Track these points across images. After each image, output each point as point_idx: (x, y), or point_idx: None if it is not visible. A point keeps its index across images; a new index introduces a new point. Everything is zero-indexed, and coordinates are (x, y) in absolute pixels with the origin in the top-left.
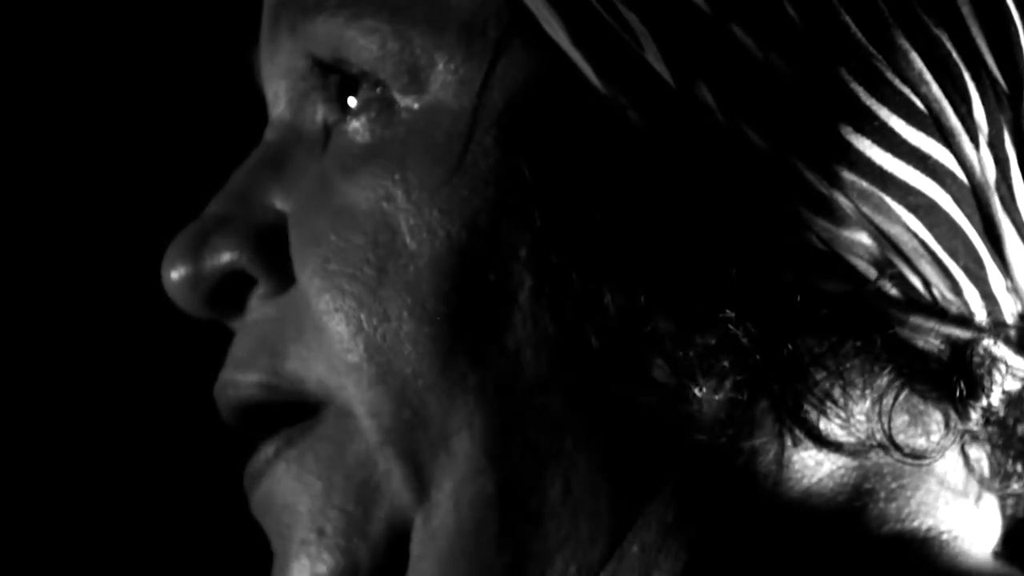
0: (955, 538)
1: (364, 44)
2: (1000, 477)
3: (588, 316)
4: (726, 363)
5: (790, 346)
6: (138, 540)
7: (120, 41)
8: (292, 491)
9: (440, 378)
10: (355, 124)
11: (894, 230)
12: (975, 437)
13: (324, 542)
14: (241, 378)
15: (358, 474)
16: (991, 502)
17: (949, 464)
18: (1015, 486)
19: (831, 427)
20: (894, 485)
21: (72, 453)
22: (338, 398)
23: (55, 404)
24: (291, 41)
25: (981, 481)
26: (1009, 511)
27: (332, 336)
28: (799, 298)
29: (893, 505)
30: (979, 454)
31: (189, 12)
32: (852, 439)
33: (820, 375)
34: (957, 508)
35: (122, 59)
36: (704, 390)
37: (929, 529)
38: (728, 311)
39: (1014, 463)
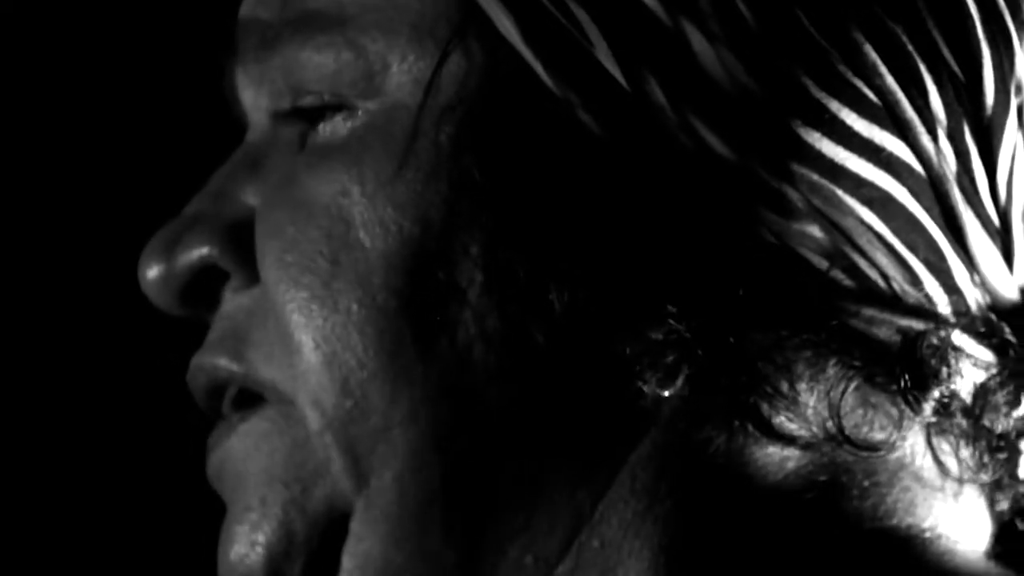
0: (939, 536)
1: (320, 61)
2: (971, 470)
3: (534, 313)
4: (671, 359)
5: (732, 340)
6: (134, 537)
7: (106, 43)
8: (240, 461)
9: (385, 370)
10: (323, 129)
11: (846, 222)
12: (942, 429)
13: (264, 511)
14: (208, 361)
15: (297, 456)
16: (973, 499)
17: (922, 460)
18: (985, 477)
19: (782, 421)
20: (867, 483)
21: (64, 448)
22: (283, 386)
23: (47, 399)
24: (256, 66)
25: (955, 475)
26: (998, 508)
27: (285, 326)
28: (742, 291)
29: (868, 503)
30: (948, 447)
31: (176, 16)
32: (804, 432)
33: (767, 369)
34: (936, 505)
35: (109, 60)
36: (652, 386)
37: (909, 527)
38: (670, 307)
39: (984, 455)
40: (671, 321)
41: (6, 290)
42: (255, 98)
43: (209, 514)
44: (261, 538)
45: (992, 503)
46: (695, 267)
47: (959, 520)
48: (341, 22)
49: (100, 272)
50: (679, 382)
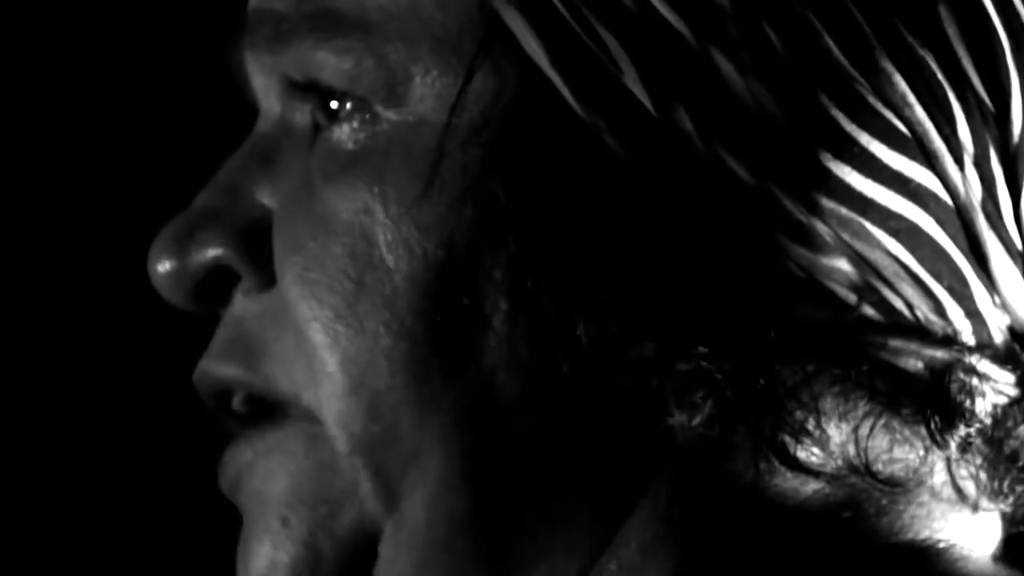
0: (952, 546)
1: (337, 64)
2: (989, 495)
3: (561, 344)
4: (700, 395)
5: (763, 381)
6: (133, 535)
7: (110, 29)
8: (260, 480)
9: (414, 395)
10: (339, 130)
11: (874, 255)
12: (964, 451)
13: (288, 533)
14: (217, 370)
15: (324, 477)
16: (990, 511)
17: (941, 477)
18: (1004, 505)
19: (808, 456)
20: (884, 501)
21: (65, 445)
22: (309, 404)
23: (47, 395)
24: (270, 57)
25: (974, 501)
26: (1009, 517)
27: (309, 344)
28: (774, 331)
29: (884, 520)
30: (968, 473)
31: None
32: (829, 467)
33: (794, 406)
34: (953, 519)
35: (112, 47)
36: (678, 419)
37: (924, 540)
38: (701, 347)
39: (1003, 481)
40: (703, 363)
41: (9, 283)
42: (266, 85)
43: (217, 515)
44: (285, 558)
45: (1005, 514)
46: (723, 301)
47: (973, 530)
48: (363, 27)
49: (105, 265)
50: (704, 415)
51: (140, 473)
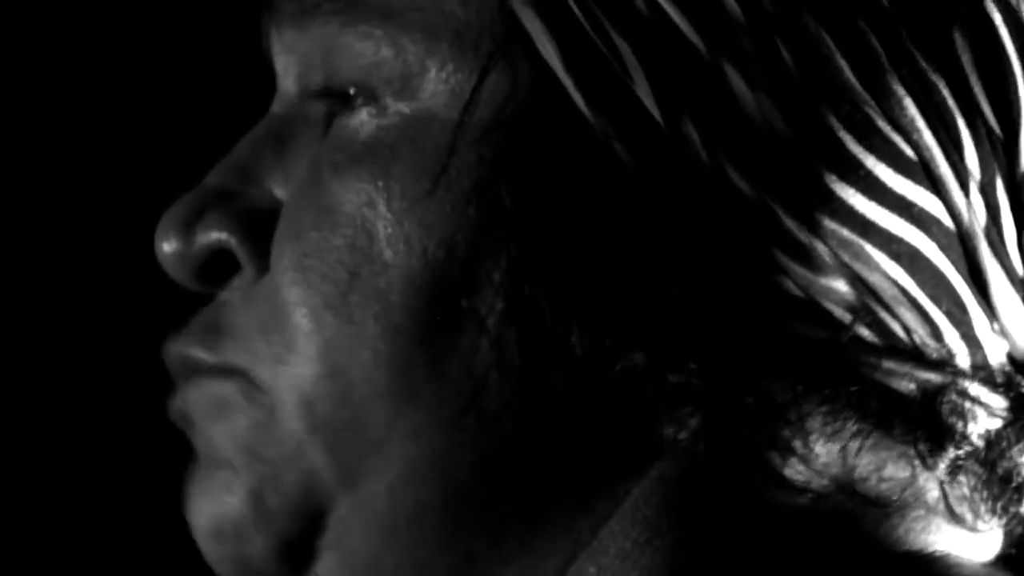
0: (947, 555)
1: (359, 49)
2: (984, 515)
3: (554, 352)
4: (688, 409)
5: (752, 398)
6: (130, 532)
7: (109, 26)
8: (202, 417)
9: (391, 388)
10: (353, 120)
11: (873, 278)
12: (957, 478)
13: (235, 475)
14: (182, 349)
15: (257, 434)
16: (985, 531)
17: (934, 492)
18: (998, 525)
19: (794, 473)
20: (879, 514)
21: (63, 442)
22: (260, 376)
23: (46, 391)
24: (292, 32)
25: (969, 523)
26: (1007, 534)
27: (291, 326)
28: (767, 348)
29: (879, 532)
30: (962, 494)
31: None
32: (816, 485)
33: (782, 425)
34: (949, 531)
35: (112, 43)
36: (666, 431)
37: (920, 550)
38: (692, 361)
39: (996, 502)
40: (692, 377)
41: (8, 279)
42: (286, 64)
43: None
44: (233, 500)
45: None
46: (718, 316)
47: (969, 540)
48: (384, 15)
49: (103, 257)
50: (692, 429)
51: (136, 469)
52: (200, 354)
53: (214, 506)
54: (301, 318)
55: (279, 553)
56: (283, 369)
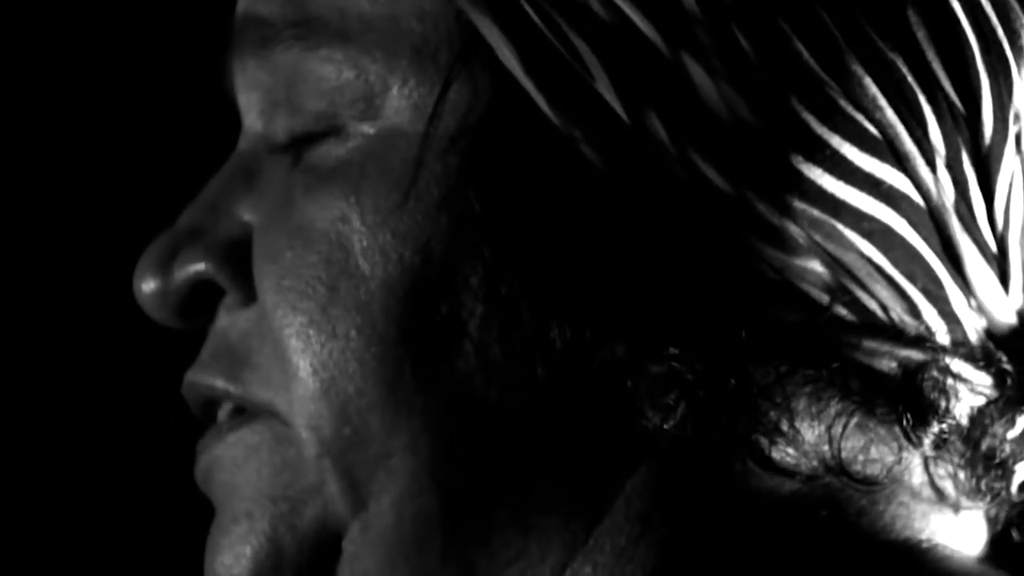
0: (935, 546)
1: (321, 74)
2: (968, 493)
3: (535, 348)
4: (672, 398)
5: (734, 381)
6: (130, 539)
7: (100, 45)
8: (227, 471)
9: (384, 399)
10: (319, 150)
11: (847, 256)
12: (940, 456)
13: (251, 525)
14: (203, 381)
15: (285, 475)
16: (970, 511)
17: (920, 477)
18: (982, 502)
19: (781, 456)
20: (864, 502)
21: (61, 451)
22: (280, 408)
23: (46, 402)
24: (255, 61)
25: (953, 500)
26: (992, 515)
27: (283, 349)
28: (745, 331)
29: (865, 520)
30: (945, 472)
31: (167, 20)
32: (803, 466)
33: (767, 407)
34: (935, 520)
35: (103, 63)
36: (652, 420)
37: (907, 540)
38: (673, 348)
39: (981, 480)
40: (674, 364)
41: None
42: (248, 101)
43: (201, 518)
44: (248, 551)
45: (988, 514)
46: (696, 303)
47: (956, 530)
48: (344, 37)
49: (95, 277)
50: (678, 416)
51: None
52: (224, 384)
53: (231, 560)
54: (289, 339)
55: None
56: (289, 396)
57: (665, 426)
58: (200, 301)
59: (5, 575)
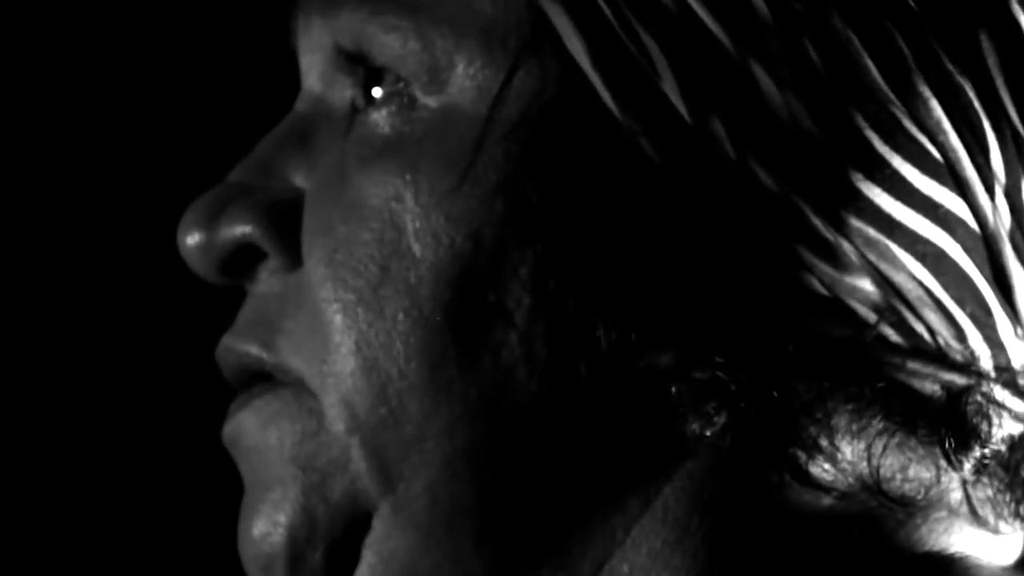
0: (966, 556)
1: (385, 40)
2: (1006, 517)
3: (580, 346)
4: (714, 405)
5: (777, 394)
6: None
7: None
8: (251, 436)
9: (426, 382)
10: (377, 115)
11: (899, 277)
12: (980, 480)
13: (285, 492)
14: (238, 346)
15: (308, 446)
16: (1008, 534)
17: (958, 493)
18: (1018, 528)
19: (820, 472)
20: (901, 515)
21: (74, 434)
22: (310, 381)
23: (56, 385)
24: (321, 21)
25: (992, 525)
26: None
27: (325, 324)
28: (792, 345)
29: (901, 533)
30: (984, 496)
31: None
32: (841, 484)
33: (808, 422)
34: (971, 533)
35: (123, 45)
36: (692, 427)
37: (941, 551)
38: (718, 358)
39: (1019, 505)
40: (718, 373)
41: (13, 278)
42: (311, 62)
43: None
44: (283, 519)
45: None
46: (744, 313)
47: (990, 543)
48: (413, 7)
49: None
50: (718, 425)
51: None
52: (257, 351)
53: (268, 528)
54: (335, 314)
55: (329, 560)
56: (324, 368)
57: (706, 434)
58: (243, 261)
59: (13, 557)
